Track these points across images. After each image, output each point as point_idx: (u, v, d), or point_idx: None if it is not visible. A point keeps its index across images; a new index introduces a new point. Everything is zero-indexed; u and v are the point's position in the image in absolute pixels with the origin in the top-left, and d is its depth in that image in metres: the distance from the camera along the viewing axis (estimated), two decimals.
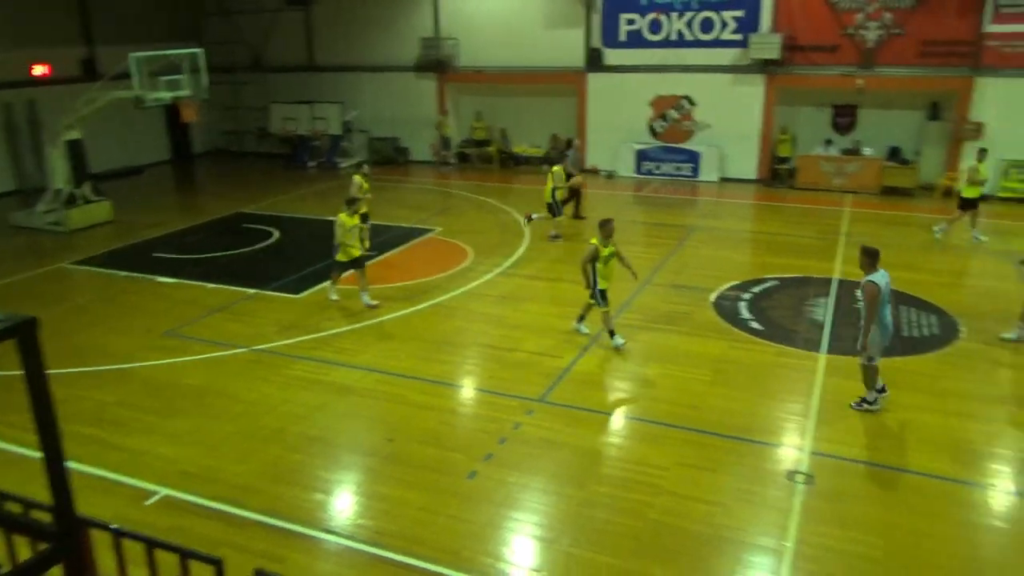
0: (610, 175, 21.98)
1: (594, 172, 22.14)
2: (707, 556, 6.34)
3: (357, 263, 11.76)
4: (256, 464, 7.71)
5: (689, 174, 21.28)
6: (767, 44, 19.37)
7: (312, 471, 7.65)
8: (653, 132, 21.80)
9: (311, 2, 24.91)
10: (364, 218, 13.52)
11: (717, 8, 20.15)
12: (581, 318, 10.74)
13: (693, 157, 21.23)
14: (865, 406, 8.57)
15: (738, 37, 20.02)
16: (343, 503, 7.23)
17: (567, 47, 21.94)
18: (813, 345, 10.39)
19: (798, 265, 13.67)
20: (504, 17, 22.56)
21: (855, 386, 9.03)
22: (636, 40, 21.16)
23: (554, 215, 15.59)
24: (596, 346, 10.44)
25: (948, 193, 18.31)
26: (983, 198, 15.20)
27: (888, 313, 8.50)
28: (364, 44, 24.61)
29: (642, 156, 21.82)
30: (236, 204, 19.27)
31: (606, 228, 9.98)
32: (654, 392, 9.24)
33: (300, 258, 14.60)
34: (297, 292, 12.75)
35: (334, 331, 11.09)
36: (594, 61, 21.78)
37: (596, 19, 21.58)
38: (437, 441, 8.15)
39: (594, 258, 9.92)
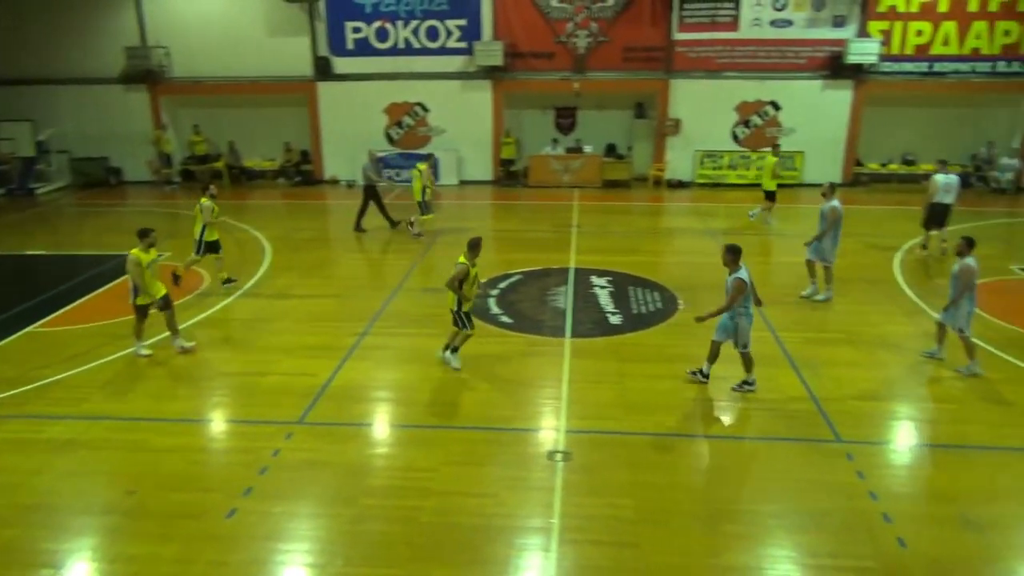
0: (350, 184, 21.68)
1: (334, 182, 21.70)
2: (482, 546, 6.45)
3: (164, 304, 10.36)
4: None
5: None
6: (490, 51, 20.33)
7: (32, 545, 6.56)
8: (390, 139, 21.90)
9: None
10: (214, 247, 12.75)
11: (441, 17, 20.74)
12: (454, 349, 9.90)
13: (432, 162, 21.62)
14: (746, 388, 9.16)
15: (463, 45, 20.78)
16: (79, 574, 6.30)
17: (294, 56, 21.27)
18: (558, 331, 11.06)
19: (539, 259, 14.50)
20: (221, 24, 21.27)
21: (598, 364, 9.84)
22: (364, 48, 21.10)
23: (423, 213, 16.10)
24: (353, 359, 10.19)
25: (658, 183, 20.61)
26: (779, 188, 17.07)
27: (751, 304, 9.05)
28: (56, 54, 21.80)
29: (382, 164, 21.77)
30: None
31: (476, 247, 9.44)
32: (415, 396, 9.24)
33: None
34: None
35: (46, 380, 9.65)
36: (323, 70, 21.34)
37: (321, 27, 21.16)
38: (188, 484, 7.41)
39: (463, 278, 9.34)
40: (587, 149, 21.28)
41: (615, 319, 11.52)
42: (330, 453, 7.92)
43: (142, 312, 10.13)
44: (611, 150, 21.78)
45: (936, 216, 14.30)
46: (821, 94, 20.47)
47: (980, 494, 7.21)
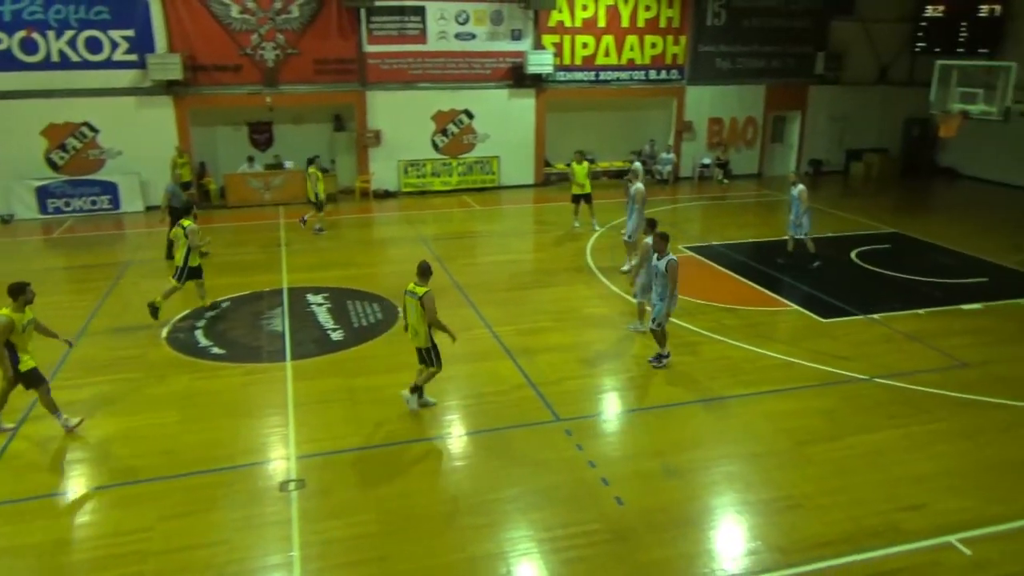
0: (7, 219, 18.58)
1: None
2: None
3: (29, 379, 8.23)
4: None
5: (109, 207, 19.35)
6: (167, 65, 18.68)
7: None
8: (53, 165, 19.11)
9: None
10: (197, 273, 11.79)
11: (102, 27, 18.57)
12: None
13: (109, 188, 19.34)
14: (664, 361, 10.06)
15: (133, 58, 18.83)
16: None
17: None
18: (278, 356, 10.50)
19: (247, 282, 13.65)
20: None
21: (324, 384, 9.55)
22: (8, 62, 18.15)
23: (319, 210, 16.85)
24: (29, 422, 8.71)
25: (366, 194, 20.57)
26: (587, 195, 17.32)
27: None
28: None
29: (45, 193, 18.97)
30: None
31: (24, 293, 8.03)
32: (116, 450, 8.15)
33: None
34: None
35: None
36: None
37: None
38: None
39: (10, 330, 7.94)
40: (288, 165, 20.54)
41: (337, 335, 11.25)
42: (12, 537, 6.68)
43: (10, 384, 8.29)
44: (312, 164, 21.30)
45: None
46: (509, 102, 21.96)
47: (676, 445, 8.23)
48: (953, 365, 10.20)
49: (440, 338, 8.71)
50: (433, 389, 9.27)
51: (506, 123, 22.02)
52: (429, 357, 8.67)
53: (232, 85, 19.71)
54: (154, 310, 11.48)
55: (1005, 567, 6.22)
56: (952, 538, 6.60)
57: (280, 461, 7.90)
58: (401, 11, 20.38)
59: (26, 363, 8.17)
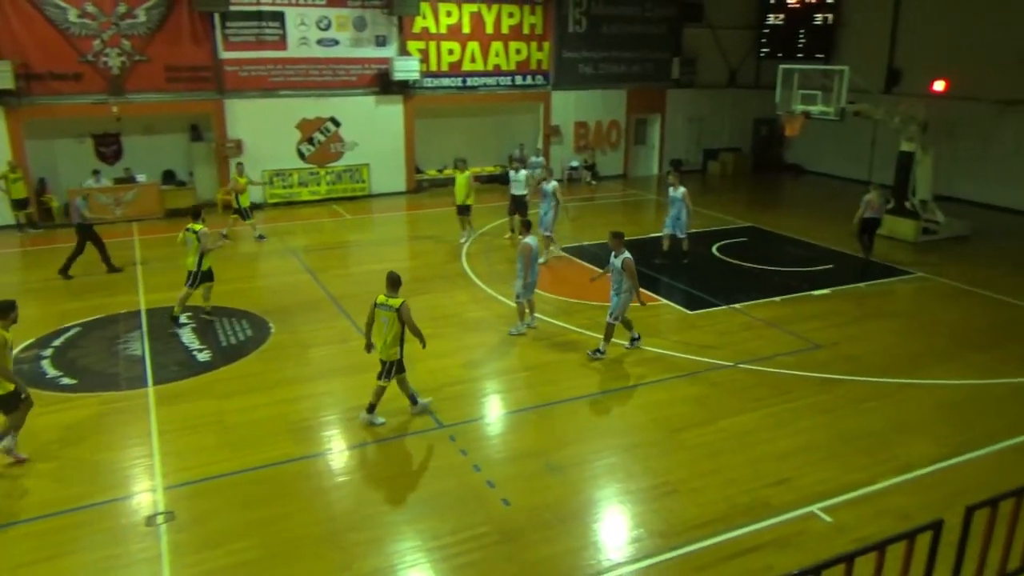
0: None
1: None
2: None
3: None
4: None
5: None
6: None
7: None
8: None
9: None
10: (209, 276, 11.82)
11: None
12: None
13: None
14: (599, 355, 10.41)
15: None
16: None
17: None
18: (138, 382, 9.82)
19: (100, 304, 12.70)
20: None
21: (192, 408, 9.04)
22: None
23: (245, 218, 16.78)
24: None
25: (228, 207, 19.65)
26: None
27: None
28: None
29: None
30: None
31: (13, 311, 7.72)
32: None
33: None
34: None
35: None
36: None
37: None
38: None
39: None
40: (140, 178, 19.29)
41: (203, 356, 10.66)
42: None
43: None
44: (170, 177, 20.11)
45: (516, 206, 16.51)
46: (376, 109, 21.63)
47: (559, 442, 8.36)
48: (808, 347, 10.95)
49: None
50: (310, 404, 8.97)
51: (374, 130, 21.69)
52: (391, 369, 8.51)
53: (72, 94, 18.29)
54: (175, 320, 11.67)
55: (862, 529, 6.73)
56: (815, 507, 7.07)
57: (145, 494, 7.37)
58: (259, 16, 19.63)
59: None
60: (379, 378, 8.53)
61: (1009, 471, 7.60)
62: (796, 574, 4.68)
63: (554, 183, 14.97)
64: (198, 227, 11.60)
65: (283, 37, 20.02)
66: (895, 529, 5.79)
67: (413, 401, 8.88)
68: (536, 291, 13.21)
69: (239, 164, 17.77)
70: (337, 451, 8.27)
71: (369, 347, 8.58)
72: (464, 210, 16.62)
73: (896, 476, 7.62)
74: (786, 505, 7.12)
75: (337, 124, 21.31)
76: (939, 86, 19.41)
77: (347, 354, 10.64)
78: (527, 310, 11.46)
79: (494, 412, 9.35)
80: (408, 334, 8.42)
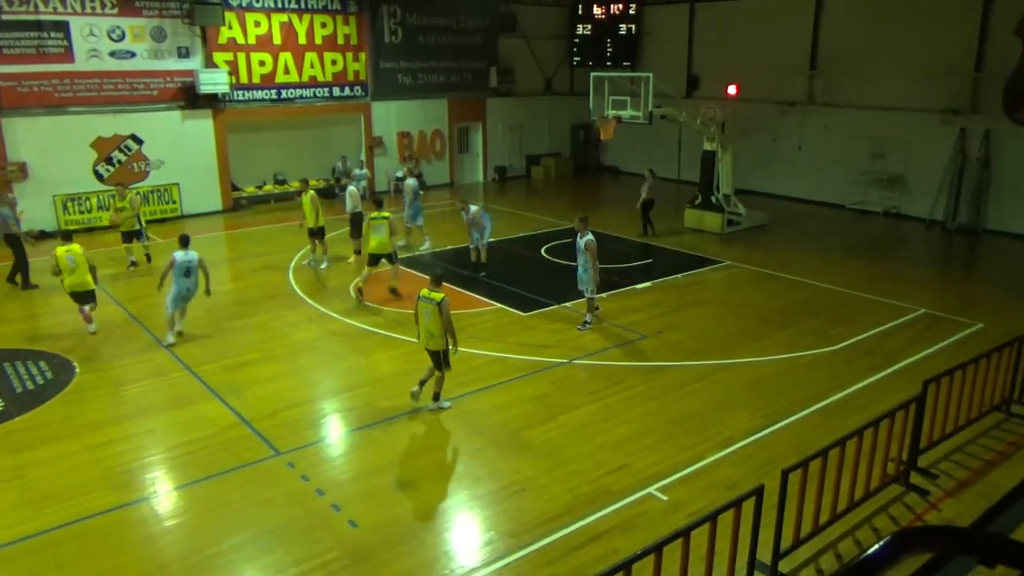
0: None
1: None
2: None
3: None
4: None
5: None
6: None
7: None
8: None
9: None
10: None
11: None
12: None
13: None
14: (586, 327, 11.78)
15: None
16: None
17: None
18: None
19: None
20: None
21: None
22: None
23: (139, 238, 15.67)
24: None
25: (43, 234, 17.61)
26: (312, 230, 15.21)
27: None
28: None
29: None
30: None
31: None
32: None
33: None
34: None
35: None
36: None
37: None
38: None
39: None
40: None
41: None
42: None
43: None
44: None
45: (354, 225, 15.84)
46: (183, 125, 20.26)
47: (404, 456, 8.22)
48: (635, 339, 11.54)
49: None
50: (128, 447, 8.21)
51: (183, 147, 20.31)
52: (442, 360, 8.94)
53: None
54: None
55: (694, 504, 7.16)
56: (652, 489, 7.44)
57: None
58: (38, 26, 17.76)
59: None
60: (438, 370, 8.99)
61: (815, 434, 8.41)
62: (639, 554, 4.88)
63: (411, 181, 16.34)
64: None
65: (69, 48, 18.26)
66: (723, 499, 6.22)
67: (435, 397, 9.20)
68: (370, 304, 12.99)
69: (119, 186, 16.38)
70: (163, 493, 7.61)
71: (420, 334, 9.09)
72: (317, 233, 15.27)
73: (721, 450, 8.19)
74: (625, 490, 7.43)
75: (139, 142, 19.73)
76: (732, 90, 21.21)
77: (167, 387, 9.87)
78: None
79: (334, 433, 9.03)
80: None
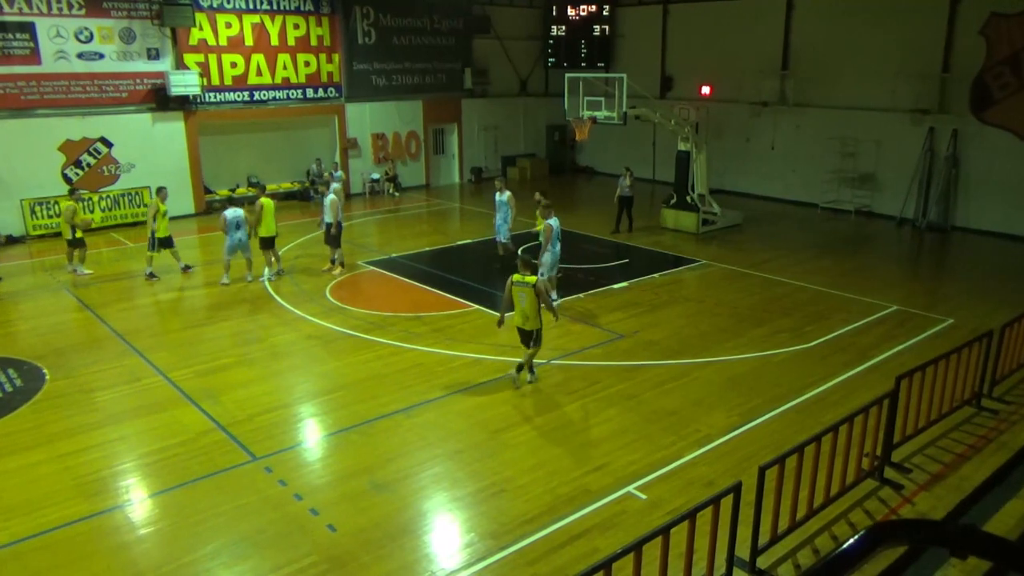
0: None
1: None
2: None
3: None
4: None
5: None
6: None
7: None
8: None
9: None
10: None
11: None
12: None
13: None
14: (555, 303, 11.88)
15: None
16: None
17: None
18: None
19: None
20: None
21: None
22: None
23: (167, 247, 15.19)
24: None
25: (11, 239, 17.29)
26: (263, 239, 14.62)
27: (559, 247, 12.78)
28: None
29: None
30: None
31: None
32: None
33: None
34: None
35: None
36: None
37: None
38: None
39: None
40: None
41: None
42: None
43: None
44: None
45: (329, 235, 15.05)
46: (153, 127, 19.97)
47: (382, 459, 8.16)
48: (613, 338, 11.58)
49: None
50: (100, 454, 8.08)
51: (153, 150, 20.03)
52: (537, 337, 9.67)
53: None
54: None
55: (673, 501, 7.19)
56: (631, 488, 7.46)
57: None
58: (2, 27, 17.42)
59: None
60: (527, 347, 9.73)
61: (790, 431, 8.49)
62: (619, 553, 4.89)
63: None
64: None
65: (35, 50, 17.94)
66: (702, 497, 6.26)
67: (530, 370, 9.93)
68: (346, 307, 12.92)
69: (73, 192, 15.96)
70: (138, 501, 7.49)
71: (501, 322, 9.86)
72: (270, 242, 14.71)
73: (698, 448, 8.25)
74: (604, 489, 7.45)
75: (108, 145, 19.43)
76: (706, 90, 21.40)
77: (140, 393, 9.72)
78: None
79: (312, 436, 8.95)
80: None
